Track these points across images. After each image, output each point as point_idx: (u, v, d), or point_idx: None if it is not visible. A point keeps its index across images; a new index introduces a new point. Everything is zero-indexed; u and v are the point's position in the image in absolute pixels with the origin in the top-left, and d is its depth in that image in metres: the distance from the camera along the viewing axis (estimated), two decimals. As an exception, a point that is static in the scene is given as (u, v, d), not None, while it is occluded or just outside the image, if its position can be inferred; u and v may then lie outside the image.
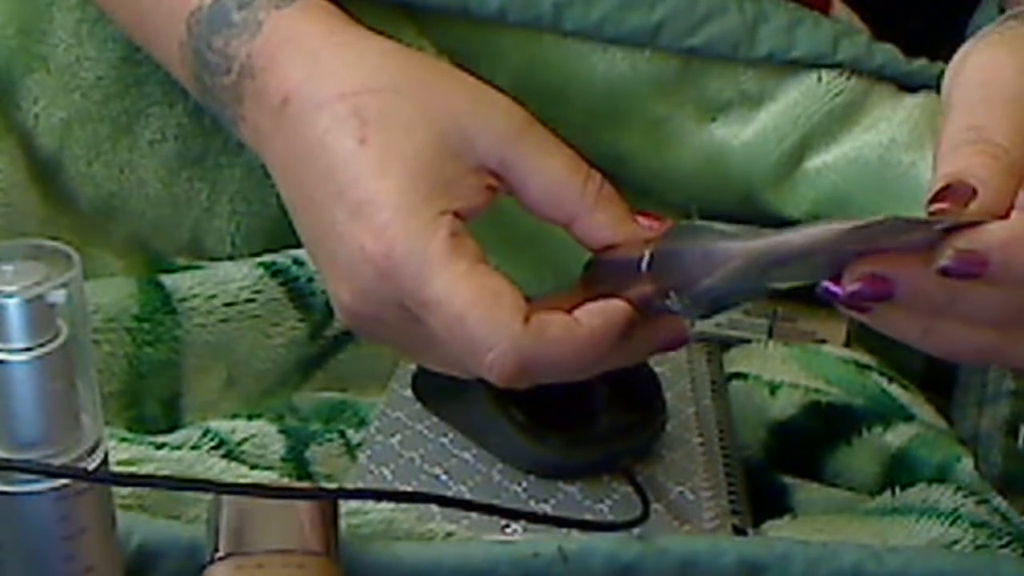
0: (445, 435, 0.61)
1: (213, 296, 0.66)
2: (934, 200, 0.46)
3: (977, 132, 0.47)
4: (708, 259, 0.48)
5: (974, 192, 0.45)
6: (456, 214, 0.52)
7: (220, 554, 0.47)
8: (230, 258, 0.72)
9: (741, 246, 0.47)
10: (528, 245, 0.72)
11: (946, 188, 0.46)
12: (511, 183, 0.54)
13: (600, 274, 0.54)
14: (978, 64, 0.51)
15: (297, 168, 0.55)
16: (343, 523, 0.50)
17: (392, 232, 0.51)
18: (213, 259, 0.71)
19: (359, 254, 0.51)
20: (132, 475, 0.53)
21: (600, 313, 0.50)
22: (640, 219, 0.54)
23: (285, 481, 0.58)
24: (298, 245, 0.71)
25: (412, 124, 0.53)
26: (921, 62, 0.72)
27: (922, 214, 0.68)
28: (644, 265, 0.50)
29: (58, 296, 0.42)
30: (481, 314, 0.49)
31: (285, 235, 0.73)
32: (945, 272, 0.43)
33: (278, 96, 0.55)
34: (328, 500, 0.49)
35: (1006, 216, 0.44)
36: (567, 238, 0.71)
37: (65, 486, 0.43)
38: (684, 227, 0.50)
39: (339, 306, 0.54)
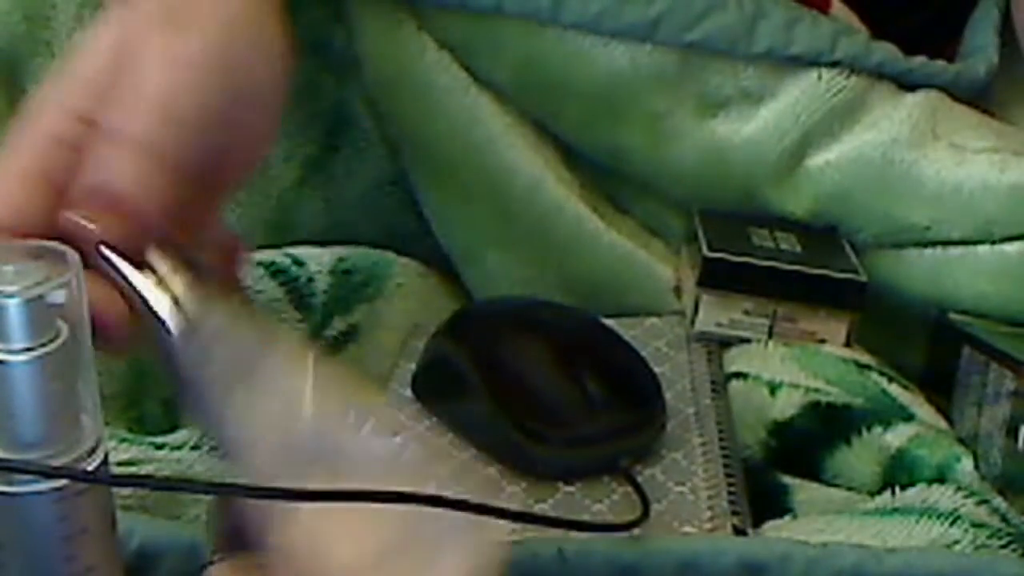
0: (445, 435, 0.61)
1: (213, 295, 0.66)
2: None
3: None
4: None
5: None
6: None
7: (220, 554, 0.47)
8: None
9: None
10: (529, 240, 0.72)
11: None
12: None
13: None
14: None
15: None
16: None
17: None
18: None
19: None
20: (131, 476, 0.53)
21: None
22: None
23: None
24: (296, 241, 0.71)
25: None
26: (920, 60, 0.72)
27: (922, 212, 0.69)
28: None
29: (58, 296, 0.42)
30: None
31: (286, 228, 0.73)
32: None
33: None
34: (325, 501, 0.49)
35: None
36: (569, 234, 0.72)
37: (65, 486, 0.43)
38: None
39: None
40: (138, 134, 0.50)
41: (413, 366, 0.65)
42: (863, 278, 0.68)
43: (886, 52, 0.71)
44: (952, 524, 0.55)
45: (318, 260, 0.69)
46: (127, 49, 0.51)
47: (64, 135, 0.50)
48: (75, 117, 0.50)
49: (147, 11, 0.53)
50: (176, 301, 0.48)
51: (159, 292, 0.48)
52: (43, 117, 0.51)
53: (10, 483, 0.43)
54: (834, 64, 0.70)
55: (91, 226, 0.48)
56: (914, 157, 0.69)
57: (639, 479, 0.57)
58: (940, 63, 0.73)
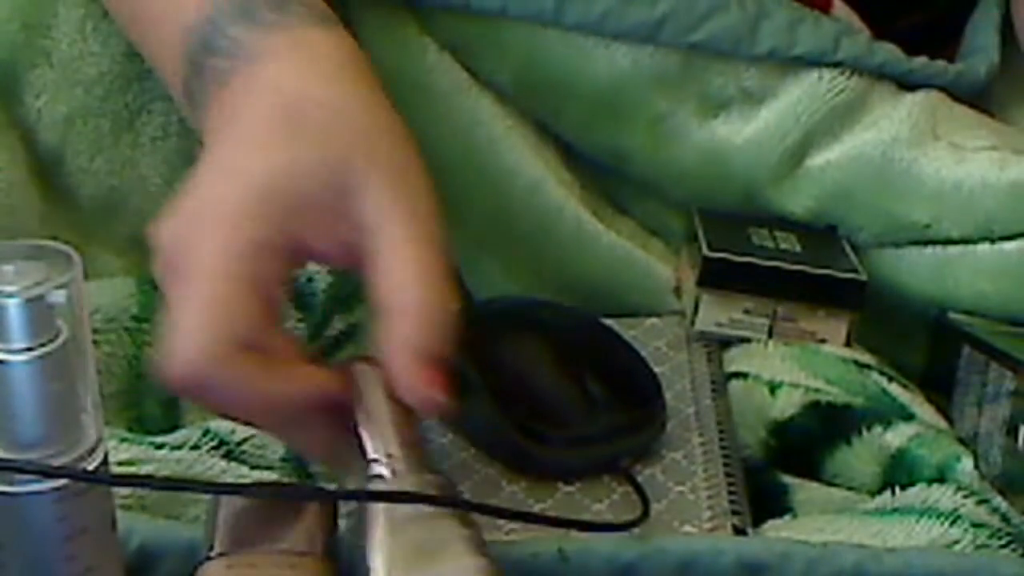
0: (445, 435, 0.61)
1: (213, 295, 0.66)
2: None
3: None
4: None
5: None
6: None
7: (214, 553, 0.47)
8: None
9: None
10: (529, 241, 0.72)
11: None
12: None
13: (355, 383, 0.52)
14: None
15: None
16: (346, 523, 0.50)
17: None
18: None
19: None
20: (131, 476, 0.53)
21: (298, 386, 0.51)
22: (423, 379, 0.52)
23: (284, 482, 0.57)
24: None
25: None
26: (921, 61, 0.72)
27: (922, 211, 0.69)
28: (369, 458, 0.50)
29: (58, 296, 0.42)
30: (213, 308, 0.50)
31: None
32: None
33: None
34: (325, 501, 0.49)
35: None
36: (569, 235, 0.71)
37: (65, 486, 0.43)
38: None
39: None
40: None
41: (413, 366, 0.65)
42: (863, 277, 0.68)
43: (888, 52, 0.71)
44: (952, 524, 0.55)
45: (318, 260, 0.69)
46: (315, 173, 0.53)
47: (267, 249, 0.51)
48: (277, 230, 0.52)
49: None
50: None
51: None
52: (245, 230, 0.51)
53: (10, 483, 0.43)
54: (836, 64, 0.70)
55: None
56: (914, 156, 0.69)
57: (639, 479, 0.57)
58: (941, 63, 0.73)
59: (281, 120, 0.54)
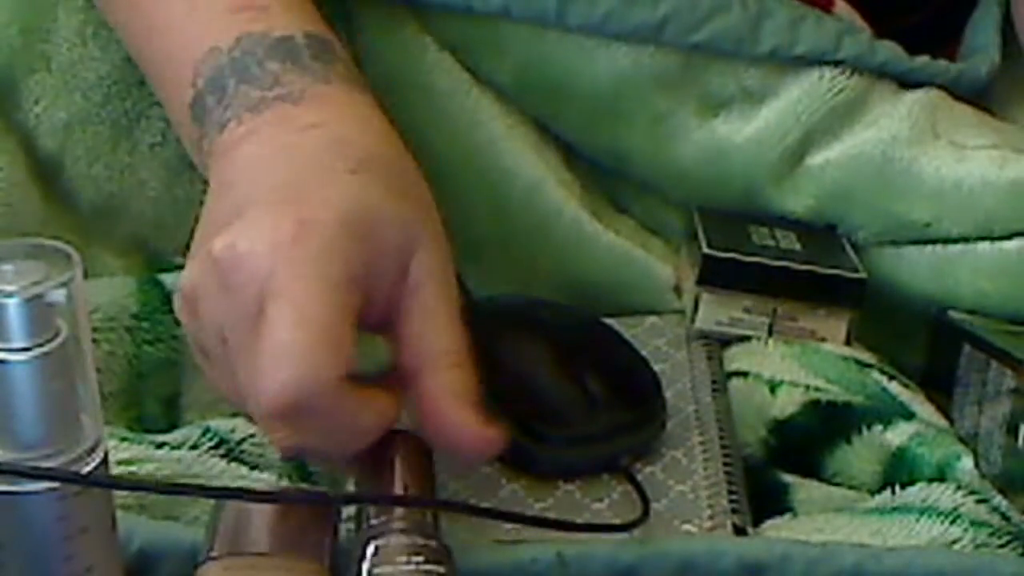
0: (445, 434, 0.62)
1: (213, 295, 0.66)
2: None
3: None
4: None
5: None
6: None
7: (214, 554, 0.47)
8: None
9: None
10: (529, 242, 0.72)
11: None
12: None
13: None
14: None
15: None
16: (349, 524, 0.50)
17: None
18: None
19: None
20: (130, 478, 0.53)
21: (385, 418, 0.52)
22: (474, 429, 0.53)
23: (284, 483, 0.57)
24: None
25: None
26: (923, 60, 0.72)
27: (922, 209, 0.69)
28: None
29: (58, 296, 0.42)
30: (319, 333, 0.49)
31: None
32: None
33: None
34: (325, 505, 0.49)
35: None
36: (568, 236, 0.71)
37: (64, 486, 0.43)
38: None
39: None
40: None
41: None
42: (863, 276, 0.68)
43: (890, 51, 0.71)
44: (952, 522, 0.55)
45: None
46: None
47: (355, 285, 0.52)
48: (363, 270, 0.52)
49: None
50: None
51: None
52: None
53: (10, 483, 0.43)
54: (837, 63, 0.70)
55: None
56: (914, 154, 0.69)
57: (639, 478, 0.57)
58: (943, 62, 0.73)
59: (356, 166, 0.54)
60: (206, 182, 0.71)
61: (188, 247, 0.72)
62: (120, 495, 0.50)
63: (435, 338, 0.53)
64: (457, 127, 0.71)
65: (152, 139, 0.71)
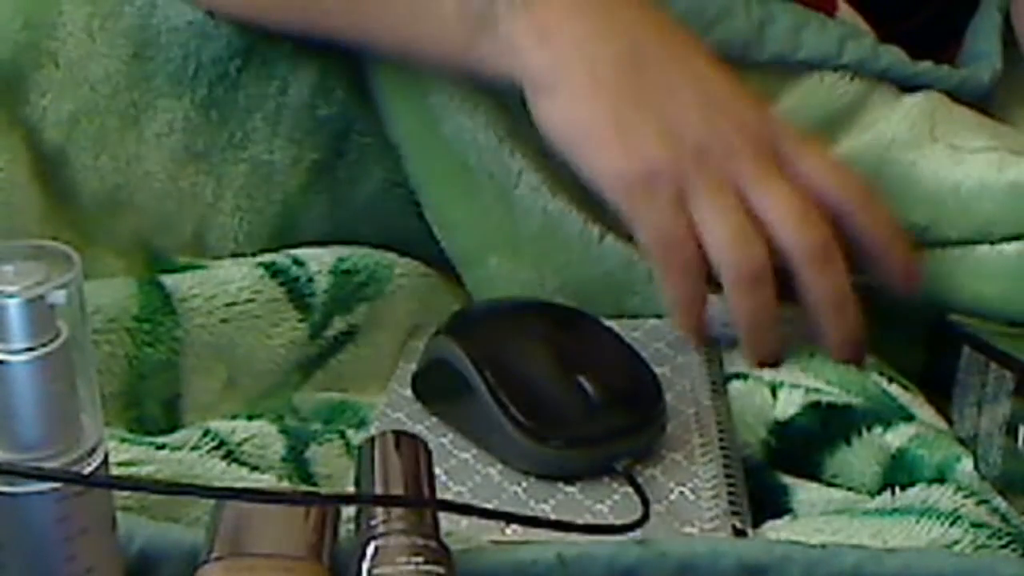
0: (445, 435, 0.62)
1: (213, 296, 0.66)
2: None
3: None
4: None
5: None
6: None
7: (213, 555, 0.47)
8: (233, 256, 0.72)
9: None
10: (531, 245, 0.72)
11: None
12: None
13: None
14: None
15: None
16: (349, 525, 0.50)
17: None
18: (216, 257, 0.71)
19: None
20: (130, 479, 0.53)
21: None
22: None
23: (284, 484, 0.57)
24: (300, 244, 0.71)
25: None
26: (926, 65, 0.72)
27: (921, 212, 0.69)
28: None
29: (58, 296, 0.42)
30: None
31: (288, 233, 0.73)
32: None
33: None
34: (326, 505, 0.49)
35: None
36: (570, 239, 0.71)
37: (64, 487, 0.43)
38: None
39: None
40: None
41: (413, 366, 0.66)
42: (863, 278, 0.68)
43: (893, 56, 0.71)
44: (952, 524, 0.55)
45: (318, 260, 0.69)
46: None
47: None
48: None
49: None
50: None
51: None
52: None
53: (10, 483, 0.43)
54: (841, 68, 0.70)
55: None
56: (912, 158, 0.69)
57: (639, 479, 0.57)
58: (945, 68, 0.73)
59: None
60: (210, 174, 0.71)
61: (191, 245, 0.72)
62: (120, 496, 0.50)
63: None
64: (460, 130, 0.71)
65: (159, 129, 0.71)
